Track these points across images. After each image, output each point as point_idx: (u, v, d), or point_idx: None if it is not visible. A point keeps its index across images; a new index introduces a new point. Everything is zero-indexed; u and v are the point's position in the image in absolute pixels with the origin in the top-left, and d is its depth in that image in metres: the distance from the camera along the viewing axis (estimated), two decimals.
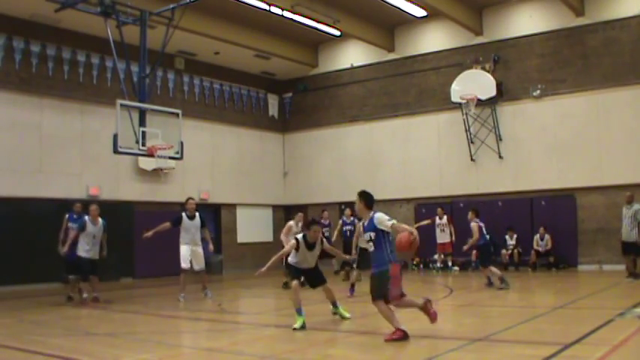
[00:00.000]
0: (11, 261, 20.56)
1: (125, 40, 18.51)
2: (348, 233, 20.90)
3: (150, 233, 16.12)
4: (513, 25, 24.94)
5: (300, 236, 11.92)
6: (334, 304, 12.28)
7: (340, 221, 21.77)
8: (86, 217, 16.35)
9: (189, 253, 16.41)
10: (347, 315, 12.28)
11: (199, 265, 16.63)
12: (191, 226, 16.52)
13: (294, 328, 10.96)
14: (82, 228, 16.10)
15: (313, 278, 12.27)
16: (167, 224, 16.36)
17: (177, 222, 16.44)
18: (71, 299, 16.53)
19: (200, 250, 16.63)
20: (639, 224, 17.78)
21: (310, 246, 11.85)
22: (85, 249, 16.05)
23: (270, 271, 11.58)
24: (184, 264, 16.31)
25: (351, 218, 21.23)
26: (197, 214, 16.71)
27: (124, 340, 10.94)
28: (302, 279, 12.22)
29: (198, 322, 13.22)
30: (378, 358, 8.87)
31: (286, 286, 18.06)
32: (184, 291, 16.30)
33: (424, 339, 10.23)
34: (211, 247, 17.19)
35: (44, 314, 14.48)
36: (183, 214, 16.62)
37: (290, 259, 12.08)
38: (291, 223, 18.83)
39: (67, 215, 17.30)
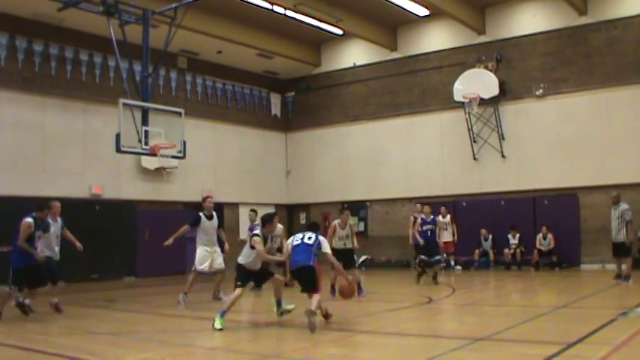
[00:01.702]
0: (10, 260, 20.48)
1: (128, 39, 18.53)
2: (429, 233, 19.65)
3: (170, 240, 15.56)
4: (516, 24, 24.93)
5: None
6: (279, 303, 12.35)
7: (420, 219, 20.61)
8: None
9: (208, 255, 15.88)
10: (290, 307, 12.46)
11: (220, 265, 16.04)
12: (209, 227, 15.98)
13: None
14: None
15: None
16: (186, 227, 15.86)
17: (195, 223, 15.86)
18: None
19: (219, 250, 16.12)
20: (626, 224, 17.61)
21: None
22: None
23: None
24: (200, 266, 15.74)
25: (431, 217, 20.02)
26: (214, 213, 16.24)
27: (127, 339, 10.94)
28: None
29: (201, 321, 13.19)
30: (381, 357, 8.85)
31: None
32: (189, 292, 15.85)
33: (427, 338, 10.25)
34: (227, 247, 16.51)
35: (45, 313, 14.46)
36: (201, 214, 16.02)
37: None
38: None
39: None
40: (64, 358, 9.04)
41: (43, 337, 11.01)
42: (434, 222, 19.36)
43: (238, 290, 11.81)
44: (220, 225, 16.59)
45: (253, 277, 12.31)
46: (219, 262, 16.01)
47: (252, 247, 11.88)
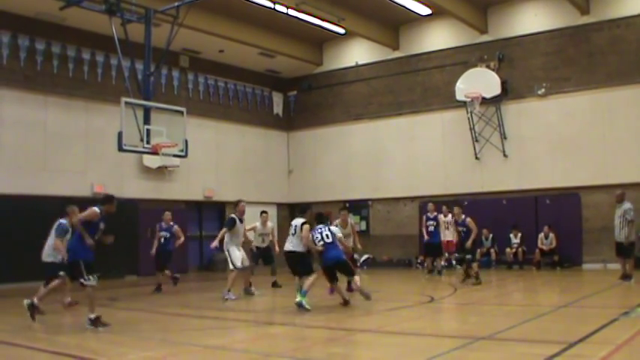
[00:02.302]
0: (16, 258, 20.57)
1: (130, 38, 18.54)
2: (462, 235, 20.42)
3: (215, 243, 16.11)
4: (518, 23, 24.91)
5: None
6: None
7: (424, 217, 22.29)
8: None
9: (240, 254, 16.36)
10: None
11: (249, 262, 16.87)
12: (240, 228, 16.59)
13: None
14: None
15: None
16: (224, 230, 16.33)
17: (232, 225, 16.31)
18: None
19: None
20: (628, 224, 17.51)
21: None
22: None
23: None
24: (240, 264, 16.14)
25: (435, 214, 21.91)
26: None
27: (129, 338, 10.95)
28: None
29: (203, 319, 13.23)
30: (382, 357, 8.85)
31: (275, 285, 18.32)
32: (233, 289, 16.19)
33: (428, 337, 10.25)
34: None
35: (50, 312, 14.48)
36: (234, 216, 16.51)
37: None
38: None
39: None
40: (67, 357, 9.05)
41: (47, 336, 11.04)
42: (465, 224, 19.07)
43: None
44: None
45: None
46: (247, 259, 16.74)
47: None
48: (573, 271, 22.53)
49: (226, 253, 16.33)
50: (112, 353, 9.24)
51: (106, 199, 12.52)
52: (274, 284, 18.50)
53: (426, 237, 22.10)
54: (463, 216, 19.03)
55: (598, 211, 22.80)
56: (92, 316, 11.44)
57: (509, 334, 10.01)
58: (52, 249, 14.18)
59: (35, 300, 11.89)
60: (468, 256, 18.74)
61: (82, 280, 11.56)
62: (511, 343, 9.51)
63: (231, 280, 16.13)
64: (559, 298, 16.20)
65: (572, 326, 10.71)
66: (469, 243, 18.50)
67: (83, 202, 21.89)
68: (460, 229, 19.11)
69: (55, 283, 13.59)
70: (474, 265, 18.47)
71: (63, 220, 14.32)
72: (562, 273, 22.05)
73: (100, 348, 9.79)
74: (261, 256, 18.38)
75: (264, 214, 18.70)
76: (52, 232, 14.39)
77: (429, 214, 22.23)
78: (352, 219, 17.42)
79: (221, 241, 16.15)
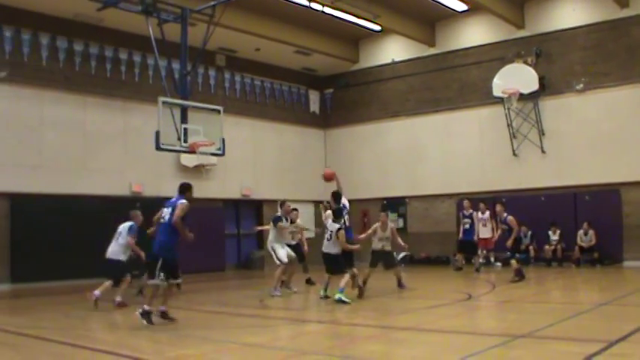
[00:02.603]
0: (57, 257, 20.85)
1: (166, 37, 18.65)
2: (467, 226, 21.98)
3: (260, 228, 18.12)
4: (556, 17, 24.63)
5: None
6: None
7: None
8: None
9: (285, 250, 16.76)
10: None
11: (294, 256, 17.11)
12: (285, 227, 17.12)
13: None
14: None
15: None
16: (270, 225, 17.20)
17: (276, 223, 16.95)
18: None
19: None
20: None
21: None
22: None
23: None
24: (286, 259, 16.52)
25: (470, 211, 22.17)
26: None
27: (167, 336, 11.01)
28: None
29: (241, 317, 13.27)
30: (420, 354, 8.82)
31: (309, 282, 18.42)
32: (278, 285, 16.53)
33: (466, 335, 10.20)
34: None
35: (89, 309, 14.63)
36: (280, 215, 17.25)
37: None
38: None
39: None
40: (106, 354, 9.12)
41: (86, 333, 11.14)
42: (506, 222, 18.96)
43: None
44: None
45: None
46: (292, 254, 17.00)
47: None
48: (613, 268, 22.26)
49: (271, 251, 16.75)
50: (151, 350, 9.30)
51: (187, 187, 12.80)
52: (308, 281, 18.53)
53: (460, 234, 22.27)
54: (505, 214, 18.86)
55: (639, 208, 22.52)
56: (163, 307, 11.79)
57: (548, 332, 9.91)
58: (124, 248, 14.91)
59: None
60: (508, 254, 18.62)
61: (171, 279, 11.82)
62: (550, 341, 9.41)
63: (278, 277, 16.40)
64: (599, 295, 16.02)
65: (613, 324, 10.58)
66: (509, 242, 18.37)
67: (121, 202, 22.30)
68: (503, 227, 18.98)
69: (127, 280, 14.79)
70: (513, 262, 18.32)
71: (131, 222, 15.16)
72: (602, 270, 21.79)
73: (139, 345, 9.86)
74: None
75: (294, 212, 18.78)
76: (122, 233, 15.07)
77: (464, 212, 22.37)
78: (391, 222, 17.46)
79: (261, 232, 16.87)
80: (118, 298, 14.51)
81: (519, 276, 18.04)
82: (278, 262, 16.41)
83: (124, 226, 15.18)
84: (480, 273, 21.19)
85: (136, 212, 15.47)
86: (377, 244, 16.66)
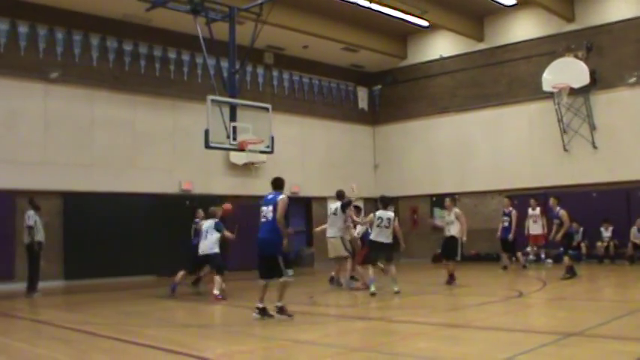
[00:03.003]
0: (109, 254, 21.15)
1: (214, 36, 18.75)
2: (506, 224, 21.79)
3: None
4: (607, 10, 24.22)
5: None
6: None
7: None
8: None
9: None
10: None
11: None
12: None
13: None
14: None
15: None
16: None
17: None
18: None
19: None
20: None
21: None
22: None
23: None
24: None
25: (509, 209, 21.97)
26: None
27: (218, 332, 11.10)
28: None
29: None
30: (470, 352, 8.75)
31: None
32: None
33: (517, 332, 10.10)
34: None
35: (140, 306, 14.81)
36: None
37: None
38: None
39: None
40: (156, 350, 9.20)
41: (137, 329, 11.25)
42: (558, 216, 18.70)
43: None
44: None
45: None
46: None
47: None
48: None
49: (340, 240, 17.10)
50: (200, 347, 9.36)
51: (283, 182, 13.09)
52: (352, 278, 18.48)
53: (498, 233, 22.13)
54: (558, 208, 18.59)
55: None
56: (279, 304, 11.68)
57: (600, 331, 9.75)
58: (216, 241, 16.00)
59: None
60: (561, 250, 18.38)
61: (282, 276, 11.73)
62: (602, 340, 9.26)
63: (350, 268, 16.99)
64: None
65: None
66: (558, 236, 18.12)
67: (171, 199, 22.50)
68: (555, 221, 18.69)
69: (207, 271, 16.00)
70: (566, 258, 18.09)
71: (214, 219, 16.33)
72: None
73: (188, 342, 9.93)
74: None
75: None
76: (209, 230, 16.12)
77: (504, 209, 22.19)
78: (457, 208, 17.50)
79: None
80: (216, 291, 15.20)
81: (570, 273, 17.82)
82: (346, 253, 16.91)
83: (209, 224, 16.20)
84: (527, 269, 21.01)
85: (216, 209, 16.88)
86: (445, 231, 17.34)
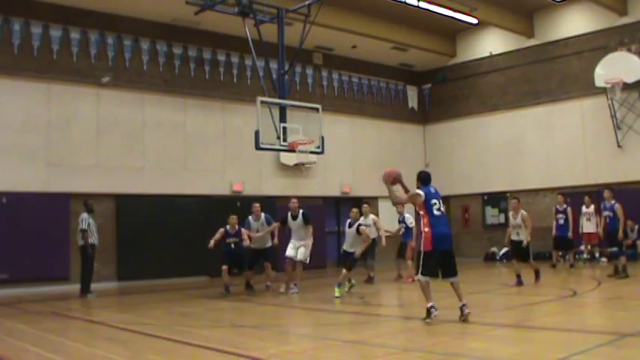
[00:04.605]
0: (161, 255, 21.39)
1: (263, 38, 18.84)
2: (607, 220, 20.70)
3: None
4: None
5: None
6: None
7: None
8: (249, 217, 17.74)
9: (293, 248, 17.09)
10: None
11: (301, 256, 16.94)
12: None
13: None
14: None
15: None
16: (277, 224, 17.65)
17: (284, 222, 17.48)
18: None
19: (302, 246, 17.06)
20: None
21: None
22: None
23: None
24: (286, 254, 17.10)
25: (564, 206, 21.69)
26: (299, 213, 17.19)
27: (269, 332, 11.13)
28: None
29: (341, 314, 13.29)
30: (523, 352, 8.66)
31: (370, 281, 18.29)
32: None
33: (571, 332, 9.97)
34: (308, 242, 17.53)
35: (192, 306, 14.92)
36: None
37: None
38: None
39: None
40: (209, 350, 9.26)
41: (189, 330, 11.32)
42: (613, 209, 18.21)
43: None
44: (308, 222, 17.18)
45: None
46: (300, 252, 16.87)
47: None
48: None
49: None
50: (252, 347, 9.39)
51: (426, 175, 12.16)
52: (369, 279, 18.42)
53: (554, 231, 21.67)
54: (613, 201, 18.27)
55: None
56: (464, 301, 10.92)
57: None
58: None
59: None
60: (614, 249, 18.05)
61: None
62: None
63: (288, 273, 17.06)
64: None
65: None
66: (620, 234, 17.81)
67: (222, 201, 22.63)
68: (607, 213, 18.32)
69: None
70: (622, 257, 17.81)
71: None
72: None
73: (240, 342, 9.97)
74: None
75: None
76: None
77: (557, 207, 21.79)
78: (524, 211, 17.00)
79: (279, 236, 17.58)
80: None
81: (620, 273, 17.53)
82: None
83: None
84: (574, 268, 20.75)
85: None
86: (513, 235, 16.82)
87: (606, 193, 18.64)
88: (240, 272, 17.42)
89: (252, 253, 17.41)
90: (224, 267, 16.95)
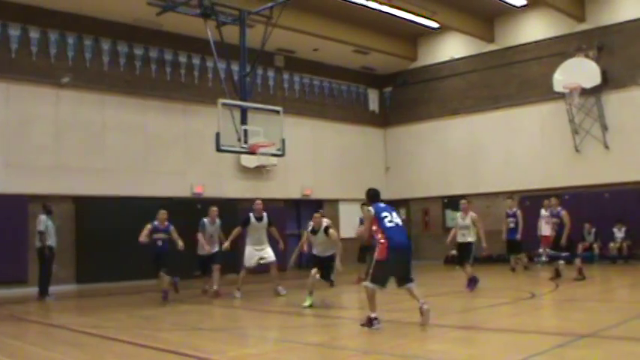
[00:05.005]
0: (121, 257, 21.18)
1: (225, 40, 18.80)
2: (512, 225, 21.36)
3: (227, 244, 16.72)
4: (617, 10, 24.14)
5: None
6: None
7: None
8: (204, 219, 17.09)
9: (255, 253, 16.76)
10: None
11: (271, 257, 16.88)
12: (258, 227, 16.87)
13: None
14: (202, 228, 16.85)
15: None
16: (238, 228, 16.93)
17: (245, 224, 16.82)
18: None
19: (268, 247, 17.03)
20: None
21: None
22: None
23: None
24: (247, 264, 16.73)
25: (514, 209, 21.71)
26: (264, 214, 17.00)
27: (230, 335, 11.11)
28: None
29: (302, 317, 13.30)
30: (481, 354, 8.75)
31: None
32: (241, 288, 16.71)
33: (530, 334, 10.07)
34: (281, 245, 17.70)
35: (153, 309, 14.84)
36: (250, 215, 16.95)
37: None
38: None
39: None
40: (168, 353, 9.22)
41: (150, 332, 11.28)
42: (559, 215, 18.26)
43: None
44: (270, 224, 17.11)
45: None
46: (270, 255, 16.80)
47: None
48: None
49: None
50: (212, 350, 9.37)
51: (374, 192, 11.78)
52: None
53: (504, 234, 21.60)
54: (559, 208, 18.50)
55: None
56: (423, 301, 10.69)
57: (614, 332, 9.72)
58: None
59: None
60: (565, 254, 18.19)
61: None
62: (616, 341, 9.23)
63: (240, 279, 16.72)
64: None
65: None
66: (564, 240, 17.96)
67: (183, 203, 22.53)
68: (554, 220, 18.54)
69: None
70: (577, 260, 18.02)
71: None
72: None
73: (201, 345, 9.95)
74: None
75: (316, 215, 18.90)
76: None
77: (508, 211, 21.80)
78: (472, 213, 16.97)
79: (233, 241, 16.70)
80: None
81: (557, 276, 17.74)
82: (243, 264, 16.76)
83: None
84: (515, 272, 20.93)
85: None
86: (458, 234, 16.59)
87: (553, 200, 18.82)
88: (170, 274, 16.15)
89: (202, 259, 16.96)
90: (161, 273, 16.06)
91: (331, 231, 14.46)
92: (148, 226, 16.15)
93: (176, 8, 19.13)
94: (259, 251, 16.69)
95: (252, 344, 10.14)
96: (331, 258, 14.22)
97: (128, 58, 22.73)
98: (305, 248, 15.48)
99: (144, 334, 11.08)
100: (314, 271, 13.31)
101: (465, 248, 16.40)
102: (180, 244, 16.07)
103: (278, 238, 17.35)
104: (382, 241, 10.62)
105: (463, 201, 17.27)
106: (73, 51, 21.56)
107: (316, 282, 13.83)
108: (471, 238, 16.32)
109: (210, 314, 14.45)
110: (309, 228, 14.53)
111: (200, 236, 16.78)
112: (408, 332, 10.38)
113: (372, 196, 11.40)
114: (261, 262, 16.67)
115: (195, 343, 10.23)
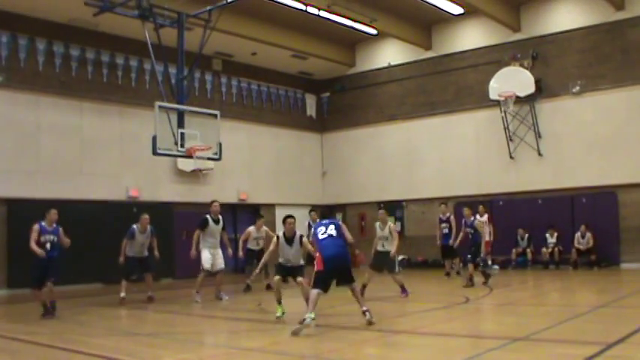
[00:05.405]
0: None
1: (163, 42, 18.71)
2: (446, 230, 21.61)
3: (193, 251, 16.43)
4: (552, 20, 24.64)
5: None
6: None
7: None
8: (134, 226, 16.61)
9: (211, 257, 16.53)
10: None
11: (220, 266, 16.75)
12: (215, 229, 16.71)
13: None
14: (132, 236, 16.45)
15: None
16: (197, 232, 16.64)
17: (204, 226, 16.54)
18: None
19: (220, 252, 16.89)
20: None
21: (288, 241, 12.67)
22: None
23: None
24: (207, 265, 16.45)
25: (447, 215, 21.89)
26: (220, 217, 16.89)
27: (165, 340, 11.01)
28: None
29: (239, 322, 13.26)
30: (415, 358, 8.84)
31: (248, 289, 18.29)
32: (200, 291, 16.47)
33: (464, 338, 10.19)
34: (230, 251, 17.80)
35: (86, 314, 14.64)
36: (207, 217, 16.74)
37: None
38: (251, 228, 19.05)
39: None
40: (102, 359, 9.11)
41: (83, 338, 11.11)
42: (472, 225, 18.60)
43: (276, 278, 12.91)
44: (224, 228, 17.07)
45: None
46: (220, 262, 16.68)
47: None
48: (611, 270, 22.26)
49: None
50: (148, 355, 9.29)
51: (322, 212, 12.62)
52: (268, 287, 18.04)
53: (438, 240, 21.88)
54: (472, 217, 18.77)
55: (636, 210, 22.56)
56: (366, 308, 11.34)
57: (546, 335, 9.93)
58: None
59: None
60: (478, 259, 18.44)
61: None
62: (548, 343, 9.42)
63: (198, 282, 16.45)
64: (597, 298, 16.02)
65: (611, 327, 10.58)
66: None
67: (118, 206, 22.27)
68: (468, 230, 18.70)
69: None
70: (470, 266, 18.17)
71: None
72: (599, 272, 21.81)
73: (135, 350, 9.85)
74: (255, 258, 18.10)
75: (259, 220, 18.95)
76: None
77: (441, 216, 22.01)
78: (391, 222, 16.87)
79: (197, 243, 16.45)
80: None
81: (471, 282, 17.94)
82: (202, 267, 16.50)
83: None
84: (450, 277, 21.14)
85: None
86: (377, 244, 16.18)
87: (466, 211, 19.03)
88: (55, 282, 14.21)
89: (132, 262, 16.59)
90: (48, 283, 14.10)
91: (305, 240, 13.68)
92: (35, 227, 14.31)
93: (114, 9, 18.91)
94: (214, 255, 16.55)
95: (189, 349, 10.05)
96: (301, 268, 13.55)
97: (64, 59, 22.37)
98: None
99: (77, 340, 10.92)
100: (277, 278, 12.92)
101: (384, 257, 16.17)
102: (67, 240, 14.53)
103: (227, 243, 17.29)
104: (317, 254, 11.41)
105: (381, 211, 17.12)
106: (6, 50, 21.12)
107: (281, 287, 13.57)
108: (390, 247, 16.08)
109: (145, 319, 14.31)
110: (281, 233, 13.50)
111: (124, 243, 16.49)
112: (345, 337, 10.42)
113: (320, 215, 13.22)
114: (214, 269, 16.54)
115: (129, 348, 10.12)
